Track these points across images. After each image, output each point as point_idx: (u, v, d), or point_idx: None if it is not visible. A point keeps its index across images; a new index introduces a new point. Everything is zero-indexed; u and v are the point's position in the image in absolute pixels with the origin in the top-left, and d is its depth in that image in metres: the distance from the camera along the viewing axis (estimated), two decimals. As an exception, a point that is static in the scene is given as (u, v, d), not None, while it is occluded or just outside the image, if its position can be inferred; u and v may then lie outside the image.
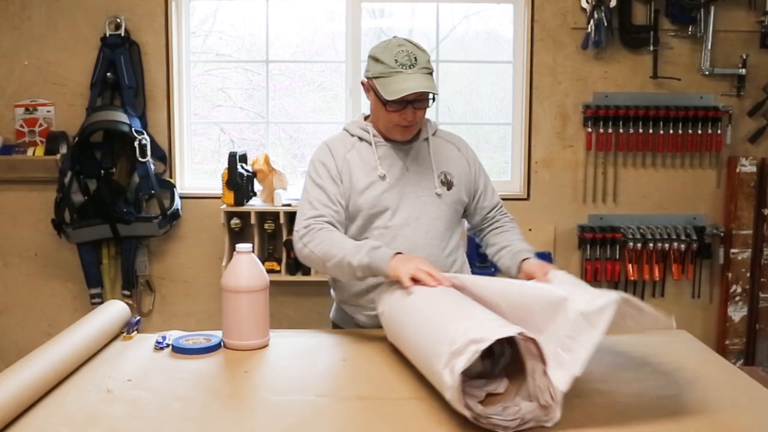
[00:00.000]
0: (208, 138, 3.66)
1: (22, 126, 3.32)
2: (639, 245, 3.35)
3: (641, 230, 3.37)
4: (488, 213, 2.04)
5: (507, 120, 3.54)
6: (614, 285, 3.45)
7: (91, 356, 1.62)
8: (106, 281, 3.37)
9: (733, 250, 3.42)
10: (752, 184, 3.39)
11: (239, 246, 1.70)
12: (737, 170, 3.38)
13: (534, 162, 3.43)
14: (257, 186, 3.31)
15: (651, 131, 3.35)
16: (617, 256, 3.39)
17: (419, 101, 1.82)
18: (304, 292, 3.41)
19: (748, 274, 3.43)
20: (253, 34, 3.54)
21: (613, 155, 3.42)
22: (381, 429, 1.27)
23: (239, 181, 3.16)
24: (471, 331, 1.23)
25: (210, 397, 1.42)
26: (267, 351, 1.69)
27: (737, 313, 3.43)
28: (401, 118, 1.84)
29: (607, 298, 1.26)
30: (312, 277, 3.18)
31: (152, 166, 3.26)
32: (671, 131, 3.35)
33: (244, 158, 3.26)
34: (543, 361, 1.22)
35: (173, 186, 3.35)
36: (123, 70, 3.23)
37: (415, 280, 1.60)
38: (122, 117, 3.18)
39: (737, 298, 3.43)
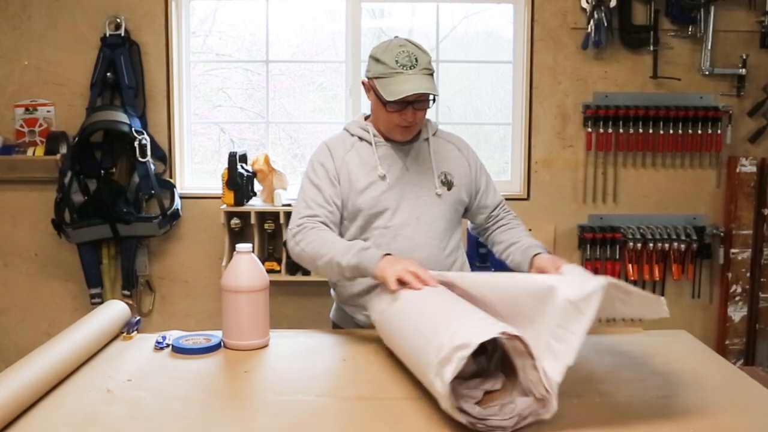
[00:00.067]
0: (208, 138, 3.66)
1: (22, 126, 3.32)
2: (639, 245, 3.35)
3: (641, 230, 3.37)
4: (492, 211, 2.04)
5: (507, 120, 3.54)
6: (614, 285, 3.45)
7: (91, 356, 1.62)
8: (106, 281, 3.37)
9: (733, 250, 3.42)
10: (752, 184, 3.39)
11: (239, 246, 1.70)
12: (737, 170, 3.38)
13: (534, 162, 3.43)
14: (257, 186, 3.31)
15: (651, 131, 3.35)
16: (617, 256, 3.40)
17: (419, 102, 1.82)
18: (304, 292, 3.41)
19: (748, 274, 3.43)
20: (253, 34, 3.54)
21: (613, 155, 3.42)
22: (381, 429, 1.27)
23: (239, 181, 3.16)
24: (456, 337, 1.23)
25: (210, 397, 1.42)
26: (267, 351, 1.69)
27: (737, 313, 3.43)
28: (401, 119, 1.84)
29: (594, 283, 1.26)
30: (312, 277, 3.17)
31: (152, 166, 3.26)
32: (671, 131, 3.35)
33: (244, 158, 3.26)
34: (531, 355, 1.22)
35: (173, 186, 3.35)
36: (123, 70, 3.23)
37: (403, 282, 1.59)
38: (122, 117, 3.18)
39: (737, 298, 3.43)
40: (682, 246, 3.36)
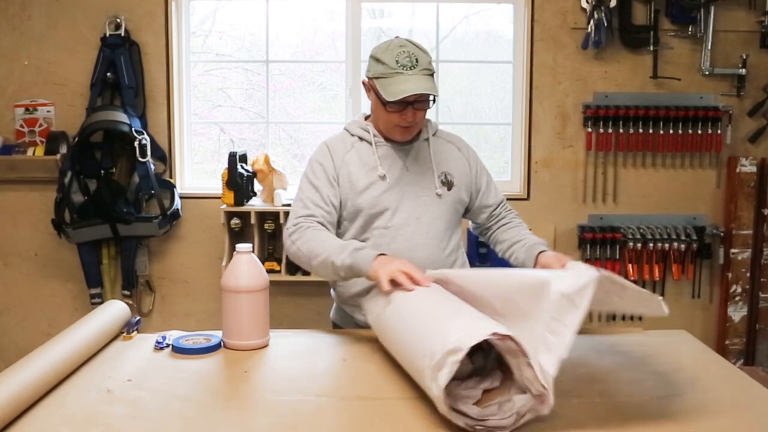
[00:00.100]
0: (208, 138, 3.66)
1: (22, 126, 3.32)
2: (639, 245, 3.35)
3: (641, 230, 3.37)
4: (494, 210, 2.04)
5: (507, 120, 3.54)
6: (614, 285, 3.45)
7: (91, 356, 1.62)
8: (106, 281, 3.37)
9: (733, 250, 3.42)
10: (752, 184, 3.39)
11: (239, 246, 1.70)
12: (737, 170, 3.38)
13: (534, 162, 3.43)
14: (257, 186, 3.31)
15: (651, 131, 3.35)
16: (617, 256, 3.39)
17: (419, 102, 1.82)
18: (304, 292, 3.41)
19: (748, 274, 3.43)
20: (253, 34, 3.54)
21: (613, 155, 3.42)
22: (381, 429, 1.27)
23: (239, 181, 3.16)
24: (448, 342, 1.23)
25: (210, 397, 1.42)
26: (267, 351, 1.69)
27: (737, 313, 3.43)
28: (401, 119, 1.84)
29: (588, 276, 1.26)
30: (312, 278, 3.17)
31: (152, 166, 3.26)
32: (671, 131, 3.35)
33: (244, 158, 3.26)
34: (524, 353, 1.22)
35: (173, 186, 3.35)
36: (123, 70, 3.23)
37: (397, 283, 1.59)
38: (122, 117, 3.18)
39: (737, 298, 3.43)
40: (682, 246, 3.36)
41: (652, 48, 3.31)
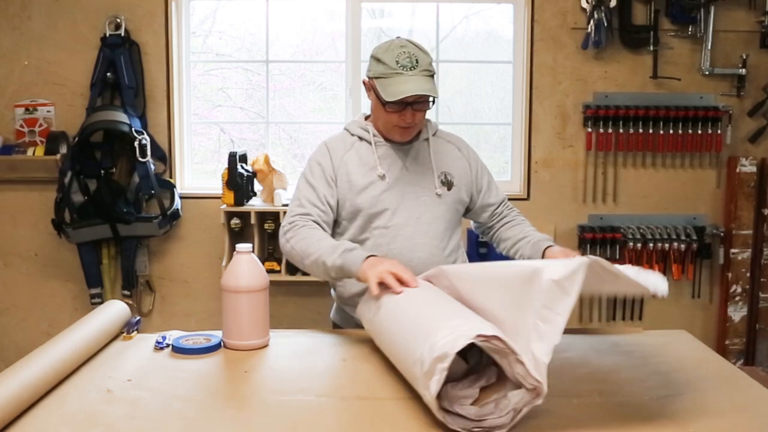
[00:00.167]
0: (208, 138, 3.66)
1: (22, 126, 3.32)
2: (639, 245, 3.35)
3: (641, 230, 3.37)
4: (496, 209, 2.04)
5: (507, 120, 3.54)
6: (614, 285, 3.45)
7: (91, 356, 1.62)
8: (106, 281, 3.37)
9: (733, 250, 3.42)
10: (752, 184, 3.39)
11: (239, 246, 1.70)
12: (737, 170, 3.38)
13: (534, 162, 3.43)
14: (257, 186, 3.31)
15: (651, 131, 3.35)
16: (617, 256, 3.39)
17: (419, 103, 1.82)
18: (304, 292, 3.41)
19: (748, 274, 3.43)
20: (253, 34, 3.54)
21: (613, 155, 3.42)
22: (381, 429, 1.27)
23: (239, 181, 3.16)
24: (435, 348, 1.23)
25: (210, 397, 1.42)
26: (267, 351, 1.69)
27: (737, 313, 3.43)
28: (400, 119, 1.84)
29: (578, 262, 1.26)
30: (312, 278, 3.12)
31: (152, 166, 3.26)
32: (671, 131, 3.35)
33: (244, 158, 3.26)
34: (512, 351, 1.22)
35: (173, 186, 3.35)
36: (123, 70, 3.23)
37: (387, 285, 1.59)
38: (122, 117, 3.18)
39: (737, 298, 3.43)
40: (682, 246, 3.36)
41: (652, 48, 3.31)
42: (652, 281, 1.38)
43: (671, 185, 3.44)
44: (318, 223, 1.85)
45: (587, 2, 3.27)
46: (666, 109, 3.33)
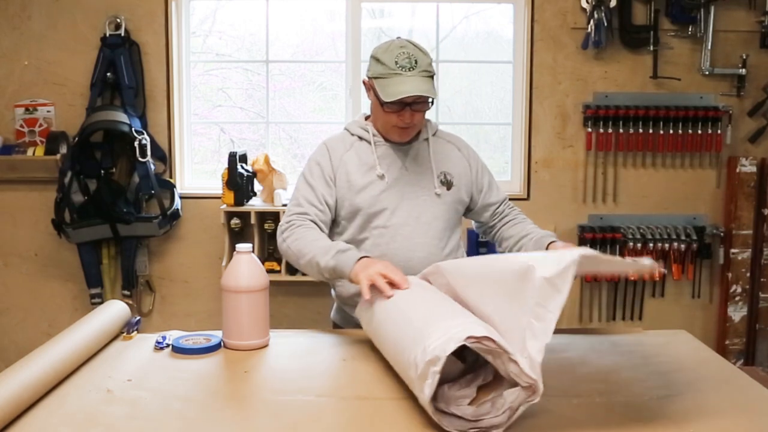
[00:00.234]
0: (208, 138, 3.66)
1: (22, 126, 3.32)
2: (639, 245, 3.35)
3: (641, 230, 3.37)
4: (497, 208, 2.04)
5: (507, 120, 3.54)
6: (614, 285, 3.45)
7: (91, 356, 1.62)
8: (106, 281, 3.37)
9: (733, 250, 3.42)
10: (752, 184, 3.39)
11: (239, 246, 1.70)
12: (737, 170, 3.38)
13: (534, 162, 3.43)
14: (257, 186, 3.31)
15: (651, 131, 3.35)
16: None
17: (417, 104, 1.82)
18: (304, 292, 3.41)
19: (748, 274, 3.43)
20: (253, 34, 3.54)
21: (613, 155, 3.42)
22: (380, 429, 1.27)
23: (239, 181, 3.16)
24: (427, 351, 1.23)
25: (210, 397, 1.42)
26: (267, 351, 1.69)
27: (737, 313, 3.43)
28: (399, 120, 1.85)
29: (570, 258, 1.26)
30: (312, 278, 3.16)
31: (152, 166, 3.26)
32: (671, 131, 3.35)
33: (244, 158, 3.26)
34: (504, 350, 1.22)
35: (173, 186, 3.35)
36: (123, 70, 3.23)
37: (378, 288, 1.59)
38: (122, 117, 3.18)
39: (737, 298, 3.43)
40: (682, 246, 3.36)
41: (652, 48, 3.31)
42: (642, 262, 1.40)
43: (671, 185, 3.44)
44: (315, 223, 1.86)
45: (587, 2, 3.27)
46: (666, 109, 3.33)
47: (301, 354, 1.68)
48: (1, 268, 3.43)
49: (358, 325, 1.93)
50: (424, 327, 1.33)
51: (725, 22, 3.32)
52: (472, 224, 2.16)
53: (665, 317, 3.43)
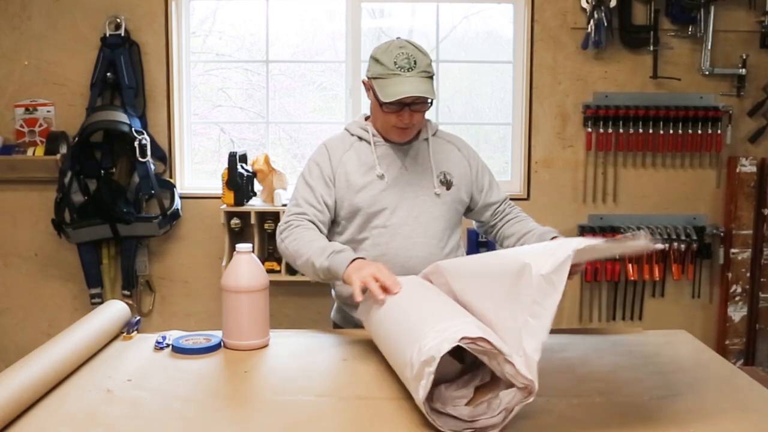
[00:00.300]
0: (208, 138, 3.66)
1: (22, 126, 3.32)
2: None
3: (641, 230, 3.37)
4: (498, 207, 2.04)
5: (507, 120, 3.54)
6: (614, 285, 3.45)
7: (91, 356, 1.62)
8: (106, 281, 3.37)
9: (733, 250, 3.42)
10: (752, 184, 3.39)
11: (239, 246, 1.70)
12: (737, 170, 3.38)
13: (534, 162, 3.43)
14: (257, 186, 3.31)
15: (651, 131, 3.35)
16: (617, 257, 3.39)
17: (416, 104, 1.83)
18: (304, 292, 3.41)
19: (748, 274, 3.43)
20: (253, 34, 3.54)
21: (613, 155, 3.42)
22: (381, 429, 1.27)
23: (239, 181, 3.16)
24: (423, 352, 1.23)
25: (210, 397, 1.42)
26: (267, 351, 1.69)
27: (737, 313, 3.43)
28: (398, 120, 1.85)
29: (565, 254, 1.25)
30: (309, 278, 3.17)
31: (152, 166, 3.26)
32: (671, 131, 3.35)
33: (244, 158, 3.26)
34: (499, 351, 1.22)
35: (173, 186, 3.35)
36: (123, 70, 3.23)
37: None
38: (122, 117, 3.18)
39: (737, 298, 3.43)
40: (682, 246, 3.36)
41: (652, 48, 3.31)
42: (637, 240, 1.37)
43: (671, 185, 3.44)
44: (314, 223, 1.86)
45: (587, 2, 3.27)
46: (666, 109, 3.33)
47: (301, 354, 1.68)
48: (1, 268, 3.43)
49: (358, 325, 1.94)
50: (422, 327, 1.33)
51: (725, 22, 3.32)
52: (473, 224, 2.16)
53: (665, 317, 3.43)
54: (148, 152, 3.22)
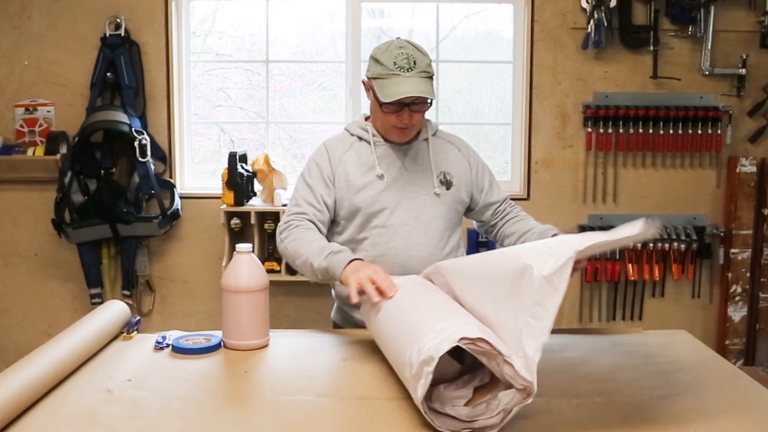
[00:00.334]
0: (208, 138, 3.66)
1: (22, 126, 3.32)
2: (639, 245, 3.35)
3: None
4: (498, 207, 2.04)
5: (507, 120, 3.54)
6: (614, 285, 3.45)
7: (91, 356, 1.62)
8: (106, 281, 3.37)
9: (733, 250, 3.42)
10: (752, 184, 3.39)
11: (239, 246, 1.70)
12: (737, 170, 3.38)
13: (534, 162, 3.43)
14: (257, 186, 3.31)
15: (651, 131, 3.35)
16: (617, 256, 3.40)
17: (416, 104, 1.83)
18: (304, 292, 3.41)
19: (748, 274, 3.43)
20: (253, 34, 3.54)
21: (613, 155, 3.42)
22: (381, 429, 1.27)
23: (239, 181, 3.16)
24: (422, 352, 1.23)
25: (210, 397, 1.42)
26: (267, 351, 1.69)
27: (737, 313, 3.43)
28: (397, 120, 1.85)
29: (567, 255, 1.25)
30: (308, 278, 3.17)
31: (152, 166, 3.26)
32: (671, 131, 3.35)
33: (244, 158, 3.26)
34: (498, 352, 1.22)
35: (173, 186, 3.35)
36: (123, 70, 3.23)
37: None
38: (122, 117, 3.18)
39: (737, 298, 3.43)
40: (682, 246, 3.36)
41: (652, 48, 3.31)
42: (632, 228, 1.34)
43: (671, 185, 3.44)
44: (314, 223, 1.86)
45: (587, 2, 3.27)
46: (666, 109, 3.33)
47: (301, 354, 1.68)
48: (1, 268, 3.43)
49: (358, 325, 1.94)
50: (422, 327, 1.33)
51: (725, 22, 3.32)
52: (473, 224, 2.16)
53: (665, 317, 3.43)
54: (148, 152, 3.22)
